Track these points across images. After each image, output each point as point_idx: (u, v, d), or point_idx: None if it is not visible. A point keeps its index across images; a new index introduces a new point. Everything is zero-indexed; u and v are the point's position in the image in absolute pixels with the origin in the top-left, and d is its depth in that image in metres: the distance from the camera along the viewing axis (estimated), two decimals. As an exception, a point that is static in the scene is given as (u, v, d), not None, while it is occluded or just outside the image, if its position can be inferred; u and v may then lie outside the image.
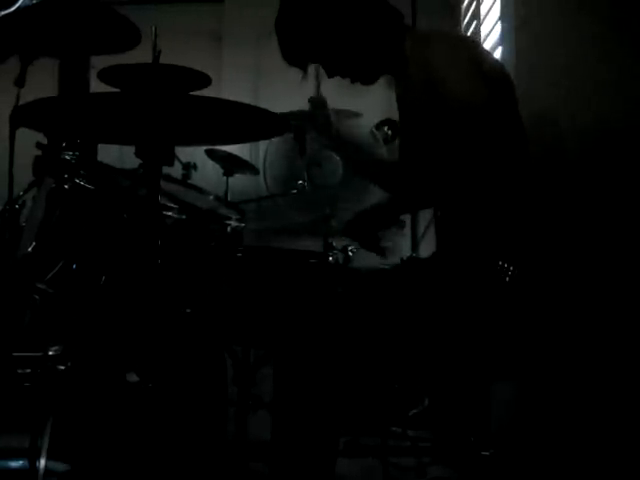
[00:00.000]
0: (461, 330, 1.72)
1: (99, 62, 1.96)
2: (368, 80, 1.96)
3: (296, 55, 1.91)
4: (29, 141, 2.11)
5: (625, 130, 1.82)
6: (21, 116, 1.98)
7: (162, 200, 2.04)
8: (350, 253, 3.01)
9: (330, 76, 1.94)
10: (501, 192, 1.80)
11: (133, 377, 1.92)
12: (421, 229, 4.08)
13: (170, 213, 2.15)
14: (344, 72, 1.93)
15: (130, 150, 1.95)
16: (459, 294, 1.73)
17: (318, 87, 2.02)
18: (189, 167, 2.96)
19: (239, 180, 3.62)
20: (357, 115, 3.11)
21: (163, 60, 1.85)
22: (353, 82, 1.96)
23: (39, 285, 1.99)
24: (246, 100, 1.90)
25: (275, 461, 1.67)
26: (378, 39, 1.90)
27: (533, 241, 1.82)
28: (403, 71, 1.90)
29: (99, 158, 3.13)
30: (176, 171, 2.61)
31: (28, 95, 1.91)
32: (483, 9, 3.25)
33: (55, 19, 2.03)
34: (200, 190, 2.43)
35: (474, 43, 2.09)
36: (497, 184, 1.80)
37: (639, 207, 1.74)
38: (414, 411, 2.79)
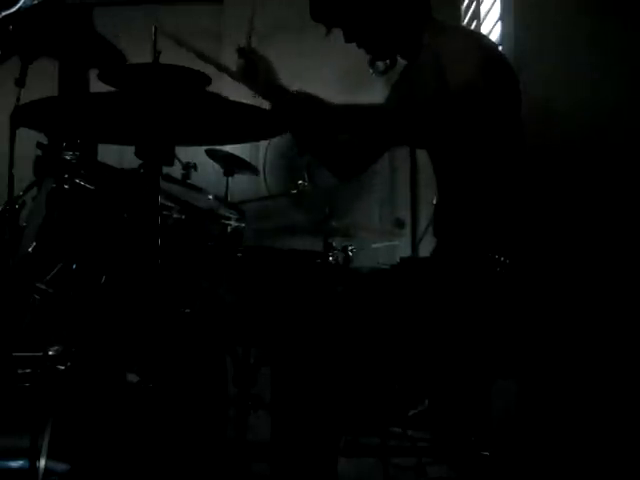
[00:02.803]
0: (460, 329, 1.72)
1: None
2: (381, 56, 1.98)
3: (323, 13, 1.93)
4: (29, 141, 2.11)
5: (623, 129, 1.82)
6: (21, 116, 1.98)
7: (162, 200, 2.03)
8: (350, 253, 3.02)
9: (347, 41, 1.96)
10: (496, 184, 1.81)
11: (133, 377, 1.92)
12: (421, 229, 4.08)
13: (170, 213, 2.15)
14: (361, 42, 1.95)
15: (130, 150, 1.95)
16: (458, 293, 1.73)
17: (249, 37, 1.99)
18: (189, 167, 2.96)
19: (239, 180, 3.62)
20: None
21: (163, 60, 1.85)
22: (367, 53, 1.98)
23: (39, 285, 1.99)
24: (246, 100, 1.90)
25: (276, 462, 1.67)
26: (401, 20, 1.92)
27: (529, 233, 1.83)
28: (415, 58, 1.92)
29: (99, 158, 3.13)
30: (176, 171, 2.61)
31: (28, 95, 1.91)
32: (483, 9, 3.25)
33: (56, 19, 2.03)
34: (200, 190, 2.43)
35: (489, 40, 2.09)
36: (493, 176, 1.80)
37: (634, 200, 1.74)
38: (414, 411, 2.79)
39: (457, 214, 1.88)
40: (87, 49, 2.17)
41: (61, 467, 1.95)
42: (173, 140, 2.00)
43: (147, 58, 1.85)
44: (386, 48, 1.97)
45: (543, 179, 2.10)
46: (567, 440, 2.04)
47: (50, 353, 1.95)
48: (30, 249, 2.02)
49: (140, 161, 2.03)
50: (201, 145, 3.14)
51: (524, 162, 1.87)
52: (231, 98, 1.86)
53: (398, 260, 2.39)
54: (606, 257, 1.88)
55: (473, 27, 3.36)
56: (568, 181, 2.09)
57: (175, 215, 2.15)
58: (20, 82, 2.09)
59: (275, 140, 3.77)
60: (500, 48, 2.82)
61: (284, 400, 1.68)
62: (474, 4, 3.38)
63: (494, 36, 2.97)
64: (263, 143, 3.99)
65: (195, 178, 2.94)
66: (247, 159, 3.71)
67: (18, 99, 2.04)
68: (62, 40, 2.15)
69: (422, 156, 2.01)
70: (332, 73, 4.07)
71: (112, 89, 1.90)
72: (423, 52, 1.89)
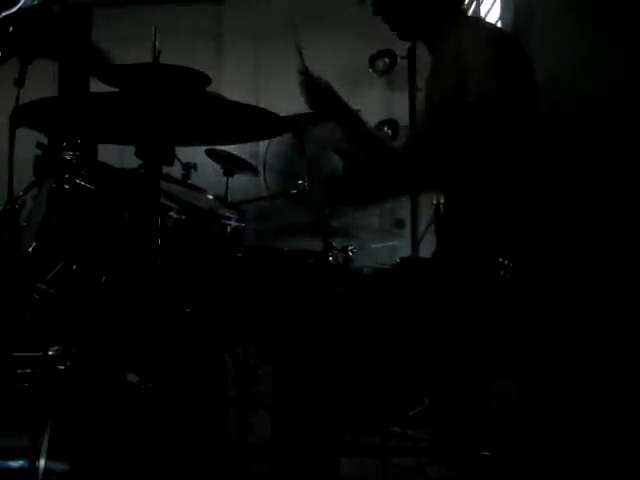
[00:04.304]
0: (461, 329, 1.72)
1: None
2: (403, 36, 2.04)
3: None
4: (29, 141, 2.11)
5: (624, 129, 1.82)
6: (21, 116, 1.98)
7: (162, 200, 2.04)
8: (350, 253, 3.02)
9: (375, 13, 2.00)
10: (502, 188, 1.81)
11: (133, 377, 1.92)
12: (421, 229, 4.08)
13: (170, 213, 2.15)
14: (387, 18, 1.99)
15: (130, 150, 1.95)
16: (459, 294, 1.73)
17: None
18: (189, 167, 2.96)
19: (239, 180, 3.62)
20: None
21: (163, 60, 1.85)
22: (391, 30, 2.02)
23: (39, 285, 1.99)
24: (246, 100, 1.90)
25: (276, 462, 1.67)
26: (429, 7, 1.94)
27: (532, 236, 1.83)
28: (436, 46, 1.96)
29: (99, 158, 3.13)
30: (176, 171, 2.61)
31: (28, 95, 1.91)
32: (483, 9, 3.25)
33: (56, 18, 2.03)
34: (200, 190, 2.43)
35: (512, 39, 2.08)
36: (497, 178, 1.80)
37: (635, 201, 1.74)
38: (414, 411, 2.79)
39: (461, 215, 1.88)
40: (84, 56, 2.17)
41: (61, 467, 1.95)
42: (173, 140, 2.00)
43: (147, 58, 1.85)
44: (410, 27, 1.98)
45: (545, 179, 2.10)
46: (567, 440, 2.04)
47: (50, 353, 1.95)
48: (30, 249, 2.02)
49: (140, 161, 2.03)
50: (201, 145, 3.14)
51: (529, 163, 1.87)
52: (231, 98, 1.86)
53: (398, 260, 2.39)
54: (608, 260, 1.88)
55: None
56: (570, 182, 2.09)
57: (175, 215, 2.15)
58: (19, 82, 2.09)
59: (275, 140, 3.77)
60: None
61: (285, 400, 1.68)
62: (474, 4, 3.39)
63: (494, 36, 2.98)
64: (263, 143, 3.99)
65: (195, 178, 2.95)
66: (247, 159, 3.71)
67: (17, 99, 2.04)
68: (61, 42, 2.15)
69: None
70: (332, 72, 4.06)
71: (112, 89, 1.90)
72: (442, 43, 1.92)
